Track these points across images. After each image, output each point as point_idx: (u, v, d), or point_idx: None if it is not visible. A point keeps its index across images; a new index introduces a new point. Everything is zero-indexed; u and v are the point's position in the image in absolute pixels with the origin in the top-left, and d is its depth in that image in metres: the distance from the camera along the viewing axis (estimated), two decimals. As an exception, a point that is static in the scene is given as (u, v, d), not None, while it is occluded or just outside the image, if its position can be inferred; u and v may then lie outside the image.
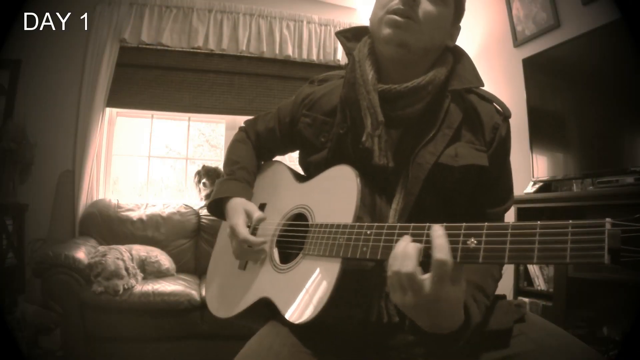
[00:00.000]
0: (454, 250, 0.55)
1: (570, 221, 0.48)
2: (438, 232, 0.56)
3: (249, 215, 0.89)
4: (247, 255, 0.88)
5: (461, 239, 0.55)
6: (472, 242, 0.54)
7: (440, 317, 0.58)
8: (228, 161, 1.04)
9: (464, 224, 0.56)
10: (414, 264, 0.56)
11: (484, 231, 0.54)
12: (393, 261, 0.58)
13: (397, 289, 0.58)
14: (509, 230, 0.52)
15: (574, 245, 0.47)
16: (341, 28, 0.95)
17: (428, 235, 0.58)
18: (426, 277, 0.56)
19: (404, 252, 0.57)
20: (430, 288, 0.55)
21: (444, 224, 0.57)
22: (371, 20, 0.82)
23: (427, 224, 0.59)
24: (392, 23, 0.75)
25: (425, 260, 0.57)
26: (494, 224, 0.54)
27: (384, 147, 0.77)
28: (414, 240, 0.59)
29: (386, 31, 0.76)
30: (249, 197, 0.96)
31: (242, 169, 1.01)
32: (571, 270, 1.77)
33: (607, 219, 0.46)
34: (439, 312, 0.58)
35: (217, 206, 0.97)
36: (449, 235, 0.56)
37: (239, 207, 0.90)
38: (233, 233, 0.87)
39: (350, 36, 0.88)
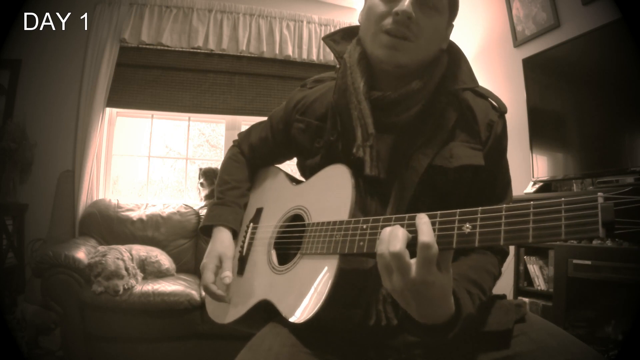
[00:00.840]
0: (449, 237, 0.55)
1: (563, 198, 0.48)
2: (423, 219, 0.56)
3: (221, 261, 0.91)
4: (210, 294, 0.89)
5: (456, 225, 0.55)
6: (467, 227, 0.54)
7: (430, 305, 0.58)
8: (219, 181, 1.04)
9: (458, 210, 0.56)
10: (402, 244, 0.56)
11: (478, 215, 0.54)
12: (380, 244, 0.58)
13: (384, 271, 0.58)
14: (503, 213, 0.52)
15: (568, 221, 0.47)
16: (341, 27, 0.94)
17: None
18: (413, 261, 0.56)
19: (392, 233, 0.57)
20: (417, 272, 0.55)
21: (438, 212, 0.57)
22: (362, 32, 0.80)
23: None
24: (388, 45, 0.73)
25: (414, 249, 0.57)
26: (488, 208, 0.54)
27: (375, 157, 0.76)
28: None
29: (381, 52, 0.74)
30: (237, 219, 0.98)
31: (232, 189, 1.01)
32: (571, 270, 1.76)
33: (599, 193, 0.45)
34: (429, 300, 0.57)
35: (209, 230, 0.99)
36: (444, 223, 0.56)
37: (214, 251, 0.92)
38: (201, 272, 0.90)
39: (339, 38, 0.86)
